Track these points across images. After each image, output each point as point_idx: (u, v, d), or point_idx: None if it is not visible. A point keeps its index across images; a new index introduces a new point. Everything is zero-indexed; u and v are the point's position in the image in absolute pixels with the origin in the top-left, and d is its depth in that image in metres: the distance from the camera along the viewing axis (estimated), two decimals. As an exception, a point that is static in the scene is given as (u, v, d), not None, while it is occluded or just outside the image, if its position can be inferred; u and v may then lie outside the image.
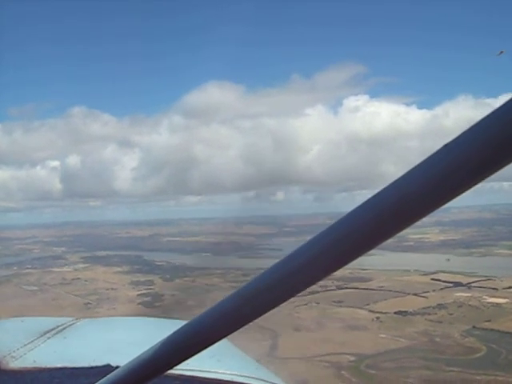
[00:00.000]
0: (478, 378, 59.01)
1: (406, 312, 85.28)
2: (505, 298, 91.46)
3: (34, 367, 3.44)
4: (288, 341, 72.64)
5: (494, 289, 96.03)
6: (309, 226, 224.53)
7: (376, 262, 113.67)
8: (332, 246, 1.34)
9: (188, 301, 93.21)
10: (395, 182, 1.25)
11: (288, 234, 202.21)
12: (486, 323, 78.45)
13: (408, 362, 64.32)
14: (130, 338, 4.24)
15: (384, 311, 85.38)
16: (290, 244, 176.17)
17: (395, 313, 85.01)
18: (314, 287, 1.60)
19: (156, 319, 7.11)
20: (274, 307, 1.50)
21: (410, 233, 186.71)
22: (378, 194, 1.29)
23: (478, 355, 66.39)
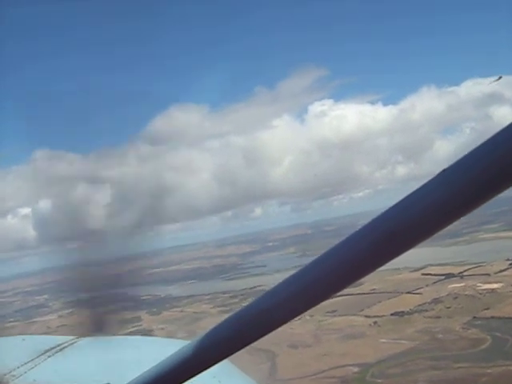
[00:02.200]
0: (488, 371, 56.71)
1: (402, 312, 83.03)
2: (498, 282, 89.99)
3: None
4: (287, 360, 69.62)
5: (486, 275, 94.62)
6: (291, 238, 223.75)
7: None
8: (332, 269, 1.39)
9: (178, 332, 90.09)
10: (393, 206, 1.30)
11: (271, 249, 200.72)
12: (486, 311, 76.81)
13: (414, 365, 61.82)
14: (130, 358, 4.41)
15: (380, 314, 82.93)
16: (274, 259, 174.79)
17: (392, 314, 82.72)
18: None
19: (157, 338, 9.02)
20: (276, 328, 1.56)
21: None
22: (376, 219, 1.33)
23: (484, 346, 64.34)
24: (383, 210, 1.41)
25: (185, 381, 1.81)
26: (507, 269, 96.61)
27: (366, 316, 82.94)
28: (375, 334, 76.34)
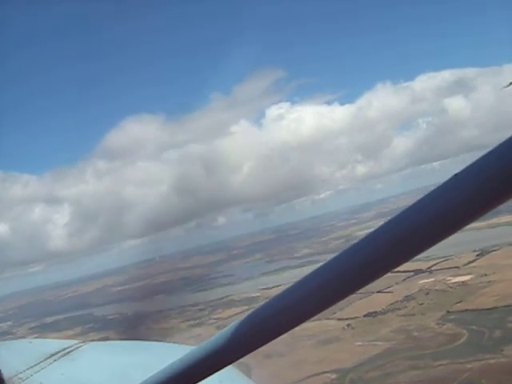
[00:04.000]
0: (469, 366, 55.51)
1: (375, 312, 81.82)
2: (468, 274, 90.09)
3: None
4: (262, 372, 67.05)
5: (455, 268, 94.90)
6: (256, 244, 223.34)
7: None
8: (341, 274, 1.43)
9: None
10: (405, 210, 1.31)
11: (237, 257, 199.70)
12: (458, 305, 76.29)
13: (393, 367, 60.25)
14: (136, 362, 4.20)
15: (353, 316, 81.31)
16: (241, 267, 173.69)
17: (365, 315, 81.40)
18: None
19: (163, 344, 6.86)
20: (282, 333, 1.60)
21: (355, 230, 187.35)
22: (387, 222, 1.34)
23: (462, 341, 63.38)
24: (393, 214, 1.39)
25: None
26: (475, 260, 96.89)
27: (339, 319, 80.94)
28: (350, 337, 74.77)
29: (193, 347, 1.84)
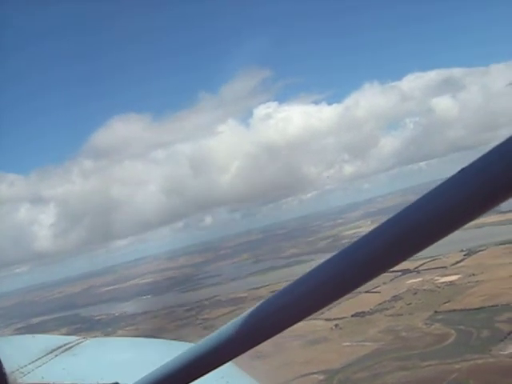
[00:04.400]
0: (457, 366, 55.27)
1: (363, 312, 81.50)
2: (455, 274, 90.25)
3: (42, 383, 3.53)
4: (250, 373, 66.55)
5: (442, 267, 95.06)
6: (243, 244, 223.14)
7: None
8: (343, 270, 1.44)
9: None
10: (410, 206, 1.30)
11: (224, 257, 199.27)
12: (446, 305, 76.23)
13: (381, 367, 59.90)
14: (137, 359, 4.28)
15: (341, 316, 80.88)
16: (228, 267, 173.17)
17: (353, 316, 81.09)
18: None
19: (164, 340, 7.22)
20: (280, 331, 1.63)
21: (342, 230, 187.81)
22: (391, 218, 1.34)
23: (450, 341, 63.19)
24: (396, 211, 1.39)
25: (191, 381, 1.86)
26: (462, 260, 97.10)
27: (327, 319, 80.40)
28: (338, 337, 74.45)
29: (193, 344, 1.86)
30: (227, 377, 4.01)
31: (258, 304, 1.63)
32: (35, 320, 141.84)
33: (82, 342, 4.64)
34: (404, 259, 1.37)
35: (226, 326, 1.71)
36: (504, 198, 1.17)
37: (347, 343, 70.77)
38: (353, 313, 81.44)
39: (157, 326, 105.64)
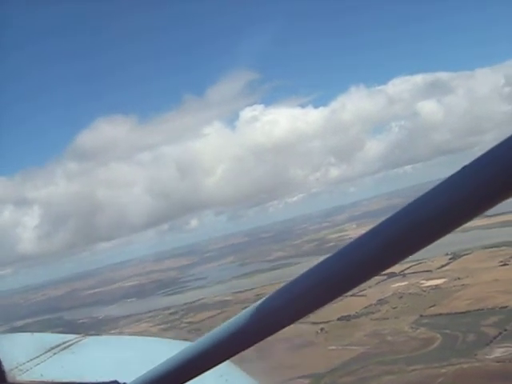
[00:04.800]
0: (443, 370, 55.13)
1: (349, 316, 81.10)
2: (441, 278, 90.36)
3: (41, 381, 3.54)
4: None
5: (428, 271, 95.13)
6: (228, 247, 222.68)
7: (299, 271, 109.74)
8: (343, 268, 1.42)
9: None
10: (412, 202, 1.29)
11: (210, 260, 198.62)
12: (432, 309, 76.24)
13: (367, 372, 59.59)
14: (137, 357, 4.29)
15: (327, 320, 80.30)
16: (214, 270, 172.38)
17: (338, 319, 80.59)
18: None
19: (163, 339, 7.26)
20: (280, 329, 1.63)
21: (328, 233, 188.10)
22: (394, 214, 1.32)
23: (436, 345, 63.07)
24: (393, 211, 1.38)
25: (190, 379, 1.86)
26: (448, 263, 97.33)
27: (313, 323, 79.84)
28: (323, 341, 74.00)
29: (191, 342, 1.86)
30: (226, 375, 3.93)
31: (256, 303, 1.61)
32: (19, 323, 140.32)
33: (81, 340, 4.61)
34: (399, 261, 1.35)
35: (225, 324, 1.70)
36: (497, 201, 1.17)
37: (333, 347, 70.41)
38: (338, 316, 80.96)
39: (140, 330, 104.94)
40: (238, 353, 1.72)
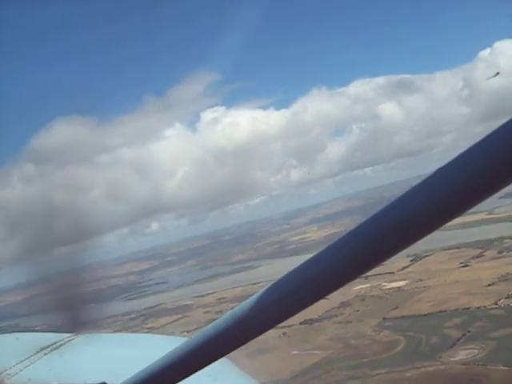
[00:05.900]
0: (408, 374, 54.42)
1: (311, 320, 79.52)
2: (403, 280, 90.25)
3: None
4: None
5: (389, 273, 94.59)
6: (190, 251, 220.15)
7: (261, 274, 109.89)
8: (324, 270, 1.41)
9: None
10: (389, 205, 1.29)
11: (170, 264, 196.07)
12: (394, 311, 75.81)
13: (330, 377, 58.55)
14: (127, 355, 4.22)
15: (288, 324, 78.60)
16: (175, 274, 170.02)
17: (301, 323, 78.87)
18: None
19: (154, 336, 7.10)
20: (273, 326, 1.66)
21: (289, 236, 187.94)
22: (370, 218, 1.32)
23: (399, 348, 62.38)
24: (377, 209, 1.36)
25: (181, 379, 1.84)
26: (409, 265, 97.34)
27: (275, 327, 78.88)
28: (286, 345, 72.34)
29: (185, 339, 1.85)
30: (221, 372, 3.84)
31: (247, 299, 1.61)
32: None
33: (72, 339, 4.53)
34: (383, 260, 1.33)
35: (219, 320, 1.68)
36: (471, 204, 1.18)
37: (296, 352, 69.09)
38: (301, 320, 79.25)
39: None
40: (233, 350, 1.68)
